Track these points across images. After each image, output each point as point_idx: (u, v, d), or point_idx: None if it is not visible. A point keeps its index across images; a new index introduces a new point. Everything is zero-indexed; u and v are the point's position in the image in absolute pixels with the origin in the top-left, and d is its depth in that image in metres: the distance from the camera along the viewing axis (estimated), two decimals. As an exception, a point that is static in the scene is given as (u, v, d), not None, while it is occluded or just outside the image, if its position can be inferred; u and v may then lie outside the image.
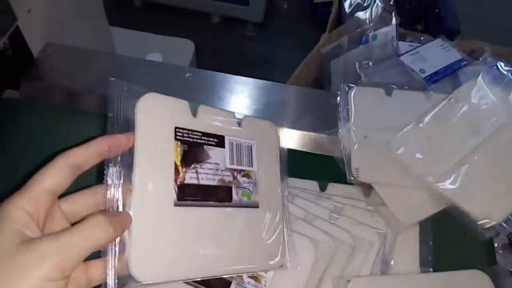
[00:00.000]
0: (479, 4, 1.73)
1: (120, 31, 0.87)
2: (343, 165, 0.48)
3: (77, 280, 0.28)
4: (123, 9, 1.64)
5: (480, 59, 0.89)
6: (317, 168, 0.51)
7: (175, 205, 0.32)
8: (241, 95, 0.57)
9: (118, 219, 0.28)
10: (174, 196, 0.32)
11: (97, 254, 0.28)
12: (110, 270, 0.28)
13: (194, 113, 0.36)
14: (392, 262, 0.44)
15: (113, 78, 0.31)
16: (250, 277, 0.39)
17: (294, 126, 0.53)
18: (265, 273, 0.39)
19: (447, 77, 0.85)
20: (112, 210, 0.30)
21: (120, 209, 0.30)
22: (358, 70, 0.86)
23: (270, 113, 0.55)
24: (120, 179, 0.30)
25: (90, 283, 0.29)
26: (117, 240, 0.29)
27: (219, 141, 0.37)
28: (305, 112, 0.56)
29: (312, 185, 0.49)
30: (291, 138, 0.52)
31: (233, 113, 0.39)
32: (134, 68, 0.55)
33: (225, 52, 1.52)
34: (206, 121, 0.36)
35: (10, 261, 0.24)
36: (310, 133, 0.53)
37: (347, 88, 0.53)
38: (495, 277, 0.44)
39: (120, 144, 0.31)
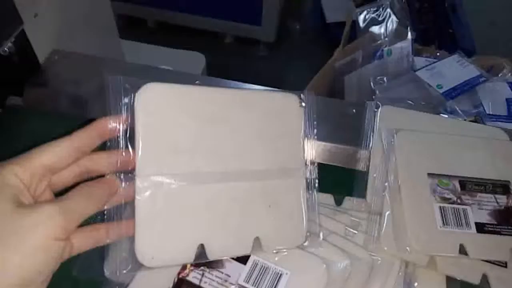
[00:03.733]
0: (494, 23, 1.72)
1: (130, 44, 0.86)
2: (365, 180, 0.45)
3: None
4: (136, 29, 1.66)
5: (499, 75, 0.87)
6: (333, 180, 0.48)
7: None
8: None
9: (105, 186, 0.32)
10: (170, 286, 0.36)
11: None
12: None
13: None
14: (415, 284, 0.40)
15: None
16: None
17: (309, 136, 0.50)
18: None
19: (465, 93, 0.82)
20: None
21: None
22: (372, 86, 0.83)
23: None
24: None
25: (71, 252, 0.30)
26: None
27: (243, 257, 0.38)
28: (320, 122, 0.53)
29: (327, 198, 0.46)
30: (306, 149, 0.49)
31: None
32: (142, 75, 0.53)
33: (237, 71, 1.51)
34: None
35: (12, 221, 0.25)
36: (325, 143, 0.50)
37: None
38: None
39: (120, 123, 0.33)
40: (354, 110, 0.52)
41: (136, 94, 0.33)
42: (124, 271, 0.33)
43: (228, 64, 1.54)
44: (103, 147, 0.33)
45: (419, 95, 0.81)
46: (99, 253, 0.34)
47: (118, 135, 0.33)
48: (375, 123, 0.48)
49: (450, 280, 0.40)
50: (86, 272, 0.35)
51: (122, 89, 0.33)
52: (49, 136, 0.51)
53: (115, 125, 0.32)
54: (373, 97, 0.81)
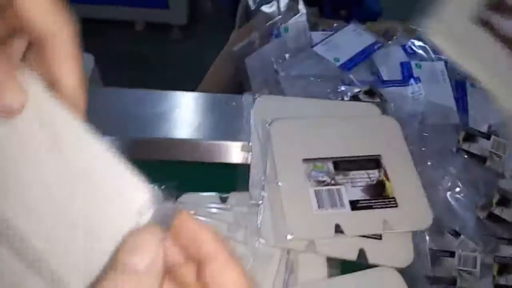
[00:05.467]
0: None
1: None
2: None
3: None
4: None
5: (394, 38, 0.90)
6: (217, 178, 0.48)
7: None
8: (136, 108, 0.52)
9: None
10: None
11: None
12: None
13: None
14: (298, 270, 0.41)
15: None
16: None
17: (192, 135, 0.50)
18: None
19: (363, 62, 0.84)
20: None
21: None
22: (274, 65, 0.83)
23: (165, 122, 0.50)
24: None
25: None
26: None
27: None
28: (204, 120, 0.52)
29: (213, 198, 0.46)
30: (185, 149, 0.49)
31: None
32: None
33: (150, 59, 1.47)
34: None
35: None
36: (208, 142, 0.49)
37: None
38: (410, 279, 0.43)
39: None
40: (234, 103, 0.51)
41: None
42: None
43: (141, 52, 1.49)
44: None
45: (319, 70, 0.82)
46: None
47: None
48: (252, 115, 0.48)
49: (330, 260, 0.42)
50: None
51: None
52: None
53: None
54: (277, 76, 0.82)
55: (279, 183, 0.43)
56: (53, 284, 0.20)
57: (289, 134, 0.46)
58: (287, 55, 0.84)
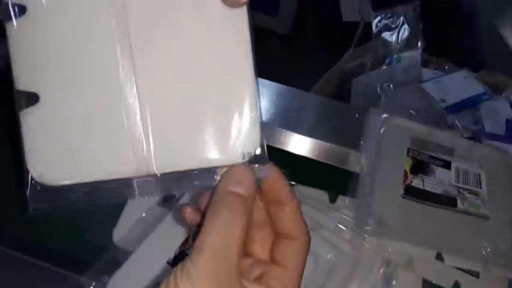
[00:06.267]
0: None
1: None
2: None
3: None
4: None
5: (503, 94, 0.89)
6: (328, 178, 0.51)
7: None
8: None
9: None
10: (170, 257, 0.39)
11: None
12: None
13: None
14: (394, 282, 0.43)
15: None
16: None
17: (310, 134, 0.53)
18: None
19: (468, 110, 0.85)
20: None
21: None
22: (378, 91, 0.86)
23: (287, 119, 0.55)
24: None
25: None
26: None
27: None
28: (322, 122, 0.56)
29: (322, 195, 0.49)
30: (305, 146, 0.52)
31: None
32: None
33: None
34: None
35: None
36: (325, 143, 0.53)
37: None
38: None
39: None
40: (357, 114, 0.55)
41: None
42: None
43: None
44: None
45: (422, 106, 0.83)
46: (112, 220, 0.37)
47: None
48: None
49: (425, 282, 0.44)
50: (97, 237, 0.38)
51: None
52: None
53: None
54: (378, 102, 0.84)
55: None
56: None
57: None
58: (392, 85, 0.86)
